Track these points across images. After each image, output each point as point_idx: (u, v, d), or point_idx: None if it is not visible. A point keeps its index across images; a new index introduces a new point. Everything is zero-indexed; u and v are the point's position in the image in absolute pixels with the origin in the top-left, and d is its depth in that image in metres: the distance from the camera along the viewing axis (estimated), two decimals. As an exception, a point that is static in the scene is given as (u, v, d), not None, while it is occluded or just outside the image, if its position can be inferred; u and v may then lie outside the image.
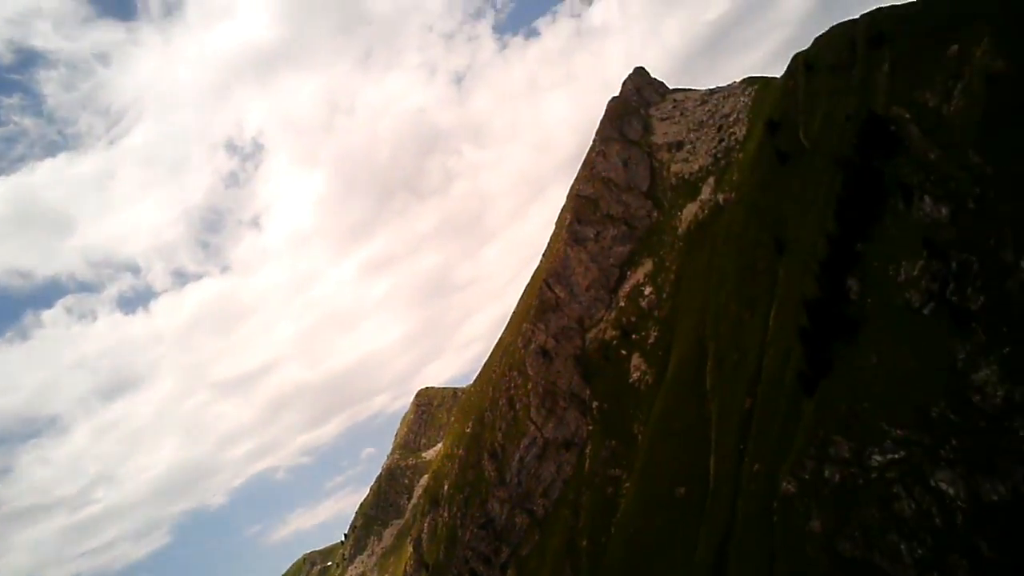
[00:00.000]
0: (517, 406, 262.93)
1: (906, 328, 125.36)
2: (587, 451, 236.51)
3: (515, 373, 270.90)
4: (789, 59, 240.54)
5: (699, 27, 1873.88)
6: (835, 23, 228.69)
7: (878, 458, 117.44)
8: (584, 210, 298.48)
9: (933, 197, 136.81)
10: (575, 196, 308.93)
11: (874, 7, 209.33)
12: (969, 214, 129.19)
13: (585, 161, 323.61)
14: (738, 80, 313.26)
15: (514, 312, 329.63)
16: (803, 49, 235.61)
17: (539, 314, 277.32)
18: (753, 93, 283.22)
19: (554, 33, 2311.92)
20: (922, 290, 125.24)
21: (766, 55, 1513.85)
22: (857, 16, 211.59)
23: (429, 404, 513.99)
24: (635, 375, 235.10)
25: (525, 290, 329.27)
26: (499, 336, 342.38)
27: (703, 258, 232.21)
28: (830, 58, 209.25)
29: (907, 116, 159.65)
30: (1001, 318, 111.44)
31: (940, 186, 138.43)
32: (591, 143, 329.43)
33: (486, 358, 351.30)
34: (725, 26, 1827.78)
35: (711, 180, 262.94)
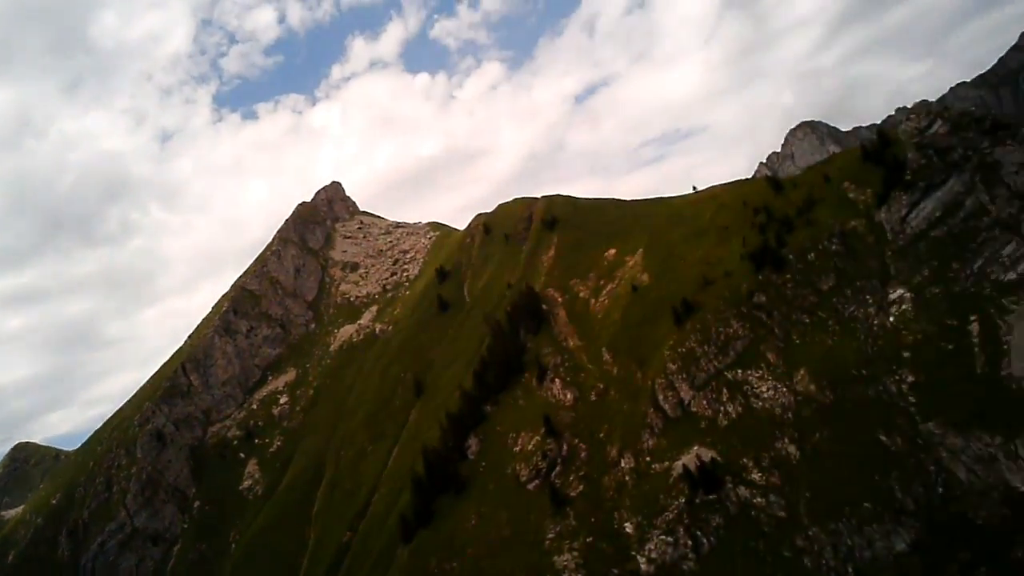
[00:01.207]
0: (114, 487, 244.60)
1: (509, 498, 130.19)
2: (176, 549, 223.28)
3: (122, 452, 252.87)
4: (479, 214, 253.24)
5: (410, 160, 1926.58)
6: (523, 196, 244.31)
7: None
8: (244, 303, 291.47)
9: (563, 381, 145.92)
10: (239, 287, 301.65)
11: (556, 192, 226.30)
12: (589, 405, 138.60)
13: (260, 256, 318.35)
14: (424, 221, 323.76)
15: (142, 386, 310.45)
16: (487, 212, 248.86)
17: (166, 396, 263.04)
18: (435, 238, 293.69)
19: (272, 121, 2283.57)
20: (532, 465, 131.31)
21: (459, 206, 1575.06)
22: (539, 196, 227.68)
23: (26, 460, 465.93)
24: (247, 482, 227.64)
25: (161, 367, 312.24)
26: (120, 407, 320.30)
27: (347, 381, 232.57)
28: (507, 227, 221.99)
29: (560, 301, 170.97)
30: (593, 508, 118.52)
31: (572, 373, 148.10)
32: (270, 240, 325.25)
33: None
34: (433, 167, 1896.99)
35: (374, 308, 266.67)
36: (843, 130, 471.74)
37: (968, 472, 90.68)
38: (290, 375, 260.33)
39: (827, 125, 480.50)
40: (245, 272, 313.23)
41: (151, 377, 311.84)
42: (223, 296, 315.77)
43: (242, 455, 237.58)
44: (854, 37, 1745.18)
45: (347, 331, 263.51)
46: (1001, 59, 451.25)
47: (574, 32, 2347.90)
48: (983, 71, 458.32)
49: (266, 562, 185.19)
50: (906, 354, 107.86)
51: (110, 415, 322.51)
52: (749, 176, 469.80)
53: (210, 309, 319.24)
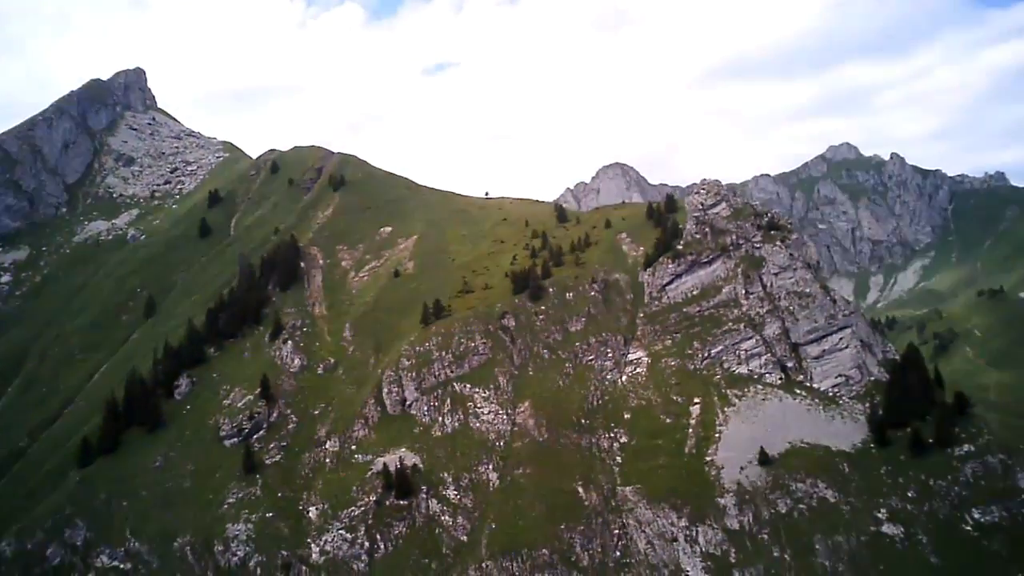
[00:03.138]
0: None
1: (202, 450, 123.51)
2: None
3: None
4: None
5: (242, 76, 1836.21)
6: (320, 145, 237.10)
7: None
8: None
9: (295, 345, 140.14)
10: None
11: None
12: (315, 377, 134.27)
13: (29, 119, 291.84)
14: (219, 138, 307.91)
15: None
16: (281, 150, 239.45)
17: None
18: (223, 159, 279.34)
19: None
20: (236, 423, 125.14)
21: (274, 136, 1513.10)
22: (335, 151, 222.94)
23: None
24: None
25: None
26: None
27: (80, 279, 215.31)
28: (295, 172, 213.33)
29: (320, 263, 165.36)
30: (282, 483, 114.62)
31: (307, 340, 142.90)
32: (47, 106, 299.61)
33: None
34: (264, 90, 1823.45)
35: (135, 211, 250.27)
36: (651, 183, 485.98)
37: (648, 545, 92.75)
38: (21, 254, 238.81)
39: (638, 172, 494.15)
40: (7, 131, 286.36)
41: None
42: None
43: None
44: (697, 101, 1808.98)
45: (99, 226, 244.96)
46: (805, 164, 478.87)
47: (442, 4, 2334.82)
48: (787, 170, 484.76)
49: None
50: (627, 416, 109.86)
51: None
52: (557, 196, 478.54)
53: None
